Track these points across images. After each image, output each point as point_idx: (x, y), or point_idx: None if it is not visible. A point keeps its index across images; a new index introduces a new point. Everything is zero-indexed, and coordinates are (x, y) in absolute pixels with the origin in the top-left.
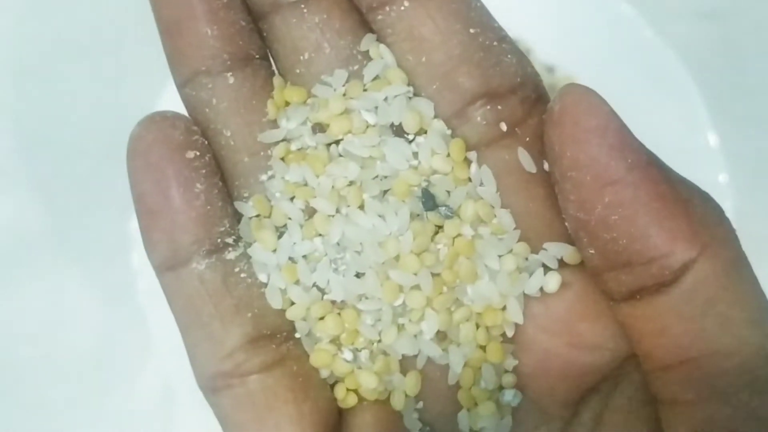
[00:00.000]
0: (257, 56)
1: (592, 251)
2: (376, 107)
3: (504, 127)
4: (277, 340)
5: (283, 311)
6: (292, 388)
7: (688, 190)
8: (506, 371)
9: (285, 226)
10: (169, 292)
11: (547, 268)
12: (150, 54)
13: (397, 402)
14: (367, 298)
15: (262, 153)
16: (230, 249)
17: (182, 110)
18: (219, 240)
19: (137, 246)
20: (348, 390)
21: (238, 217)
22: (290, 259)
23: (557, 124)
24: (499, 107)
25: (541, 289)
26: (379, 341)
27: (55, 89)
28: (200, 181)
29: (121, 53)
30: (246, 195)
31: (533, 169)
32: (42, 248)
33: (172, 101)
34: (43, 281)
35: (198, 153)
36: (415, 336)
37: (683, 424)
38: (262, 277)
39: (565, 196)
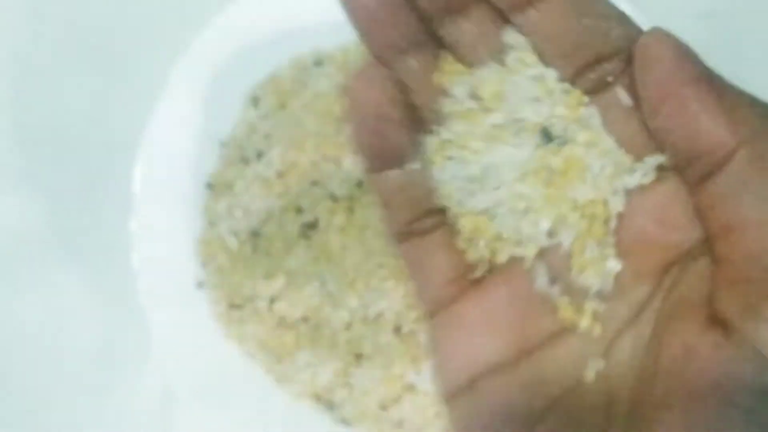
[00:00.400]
0: (428, 42)
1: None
2: (517, 82)
3: (610, 78)
4: (435, 222)
5: (442, 210)
6: (442, 249)
7: (736, 95)
8: (609, 246)
9: (450, 158)
10: (373, 189)
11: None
12: (150, 53)
13: (527, 266)
14: (499, 205)
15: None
16: (413, 164)
17: (183, 105)
18: (407, 156)
19: (138, 246)
20: (484, 260)
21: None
22: (452, 176)
23: (636, 58)
24: (607, 66)
25: (639, 185)
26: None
27: (56, 89)
28: (397, 117)
29: (124, 53)
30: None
31: (630, 103)
32: (42, 248)
33: (173, 102)
34: (43, 281)
35: (396, 98)
36: (534, 228)
37: (727, 280)
38: (432, 186)
39: (643, 113)
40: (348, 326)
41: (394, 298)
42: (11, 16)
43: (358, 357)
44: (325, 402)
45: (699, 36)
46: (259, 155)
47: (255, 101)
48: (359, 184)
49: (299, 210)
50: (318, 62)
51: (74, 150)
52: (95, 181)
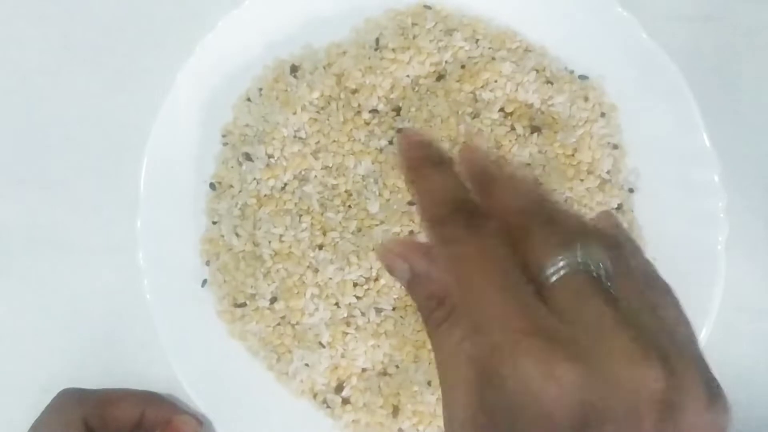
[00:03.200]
0: None
1: None
2: None
3: None
4: None
5: None
6: None
7: None
8: None
9: None
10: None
11: None
12: (156, 56)
13: None
14: None
15: None
16: None
17: (187, 107)
18: None
19: (144, 244)
20: None
21: None
22: None
23: None
24: None
25: None
26: None
27: (63, 90)
28: None
29: (128, 54)
30: None
31: None
32: (52, 246)
33: (178, 104)
34: (51, 279)
35: None
36: None
37: None
38: None
39: None
40: None
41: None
42: (23, 18)
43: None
44: (323, 400)
45: (695, 39)
46: (259, 155)
47: (256, 101)
48: (356, 181)
49: (297, 208)
50: (315, 61)
51: (83, 151)
52: (103, 181)
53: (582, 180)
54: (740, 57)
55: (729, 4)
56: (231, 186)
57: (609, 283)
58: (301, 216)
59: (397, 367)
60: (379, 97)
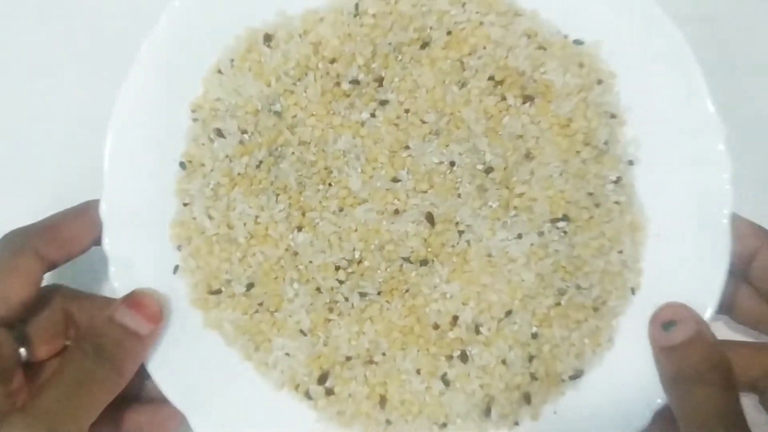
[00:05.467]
0: None
1: None
2: None
3: None
4: None
5: None
6: None
7: None
8: None
9: None
10: None
11: None
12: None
13: None
14: None
15: None
16: None
17: (153, 78)
18: None
19: (109, 228)
20: None
21: None
22: None
23: None
24: None
25: None
26: None
27: (61, 89)
28: None
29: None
30: None
31: None
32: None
33: (141, 76)
34: (50, 279)
35: None
36: None
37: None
38: None
39: None
40: None
41: None
42: (23, 18)
43: None
44: (305, 392)
45: (695, 39)
46: (232, 130)
47: (227, 73)
48: (337, 157)
49: (274, 187)
50: (290, 29)
51: (82, 151)
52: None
53: (578, 152)
54: (743, 58)
55: (729, 4)
56: (202, 164)
57: None
58: (278, 195)
59: (383, 354)
60: (359, 67)
